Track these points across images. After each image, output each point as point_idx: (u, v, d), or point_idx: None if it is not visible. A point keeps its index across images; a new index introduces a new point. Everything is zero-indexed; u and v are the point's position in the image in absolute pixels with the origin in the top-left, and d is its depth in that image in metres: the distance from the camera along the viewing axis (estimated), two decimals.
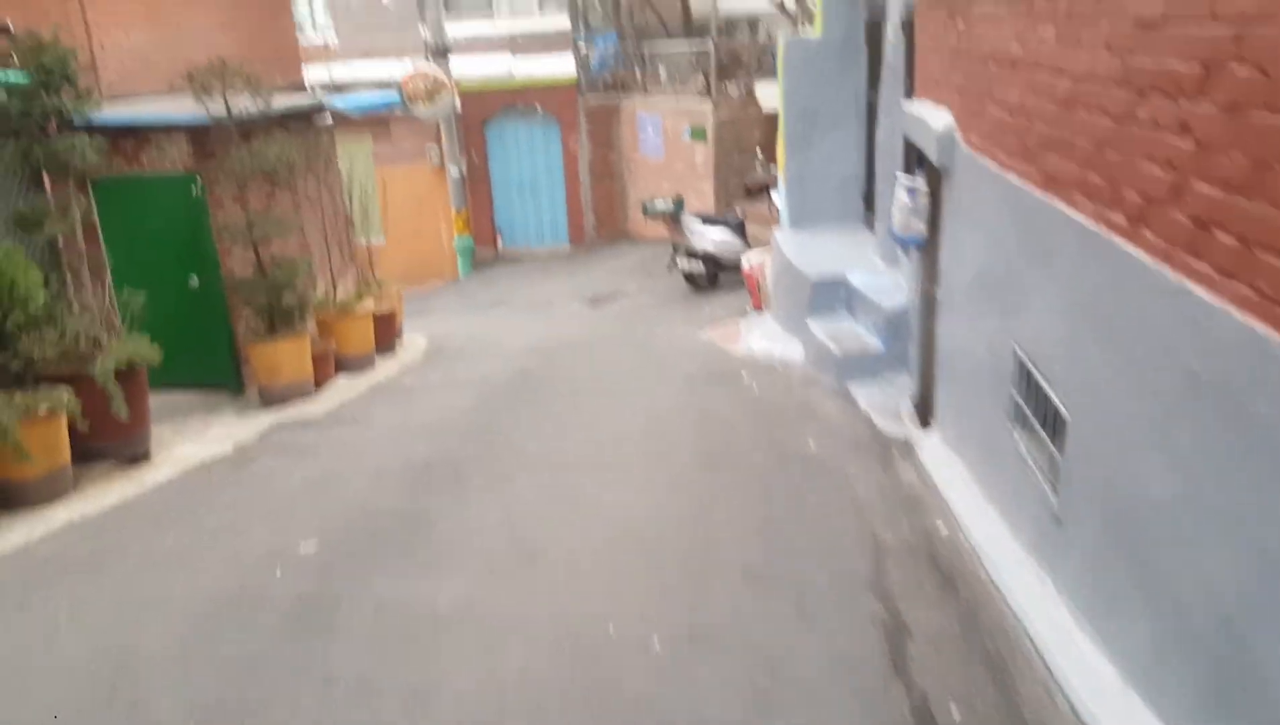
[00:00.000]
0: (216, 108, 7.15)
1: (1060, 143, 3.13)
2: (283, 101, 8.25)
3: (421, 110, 17.26)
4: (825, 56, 9.13)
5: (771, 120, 15.13)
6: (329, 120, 9.73)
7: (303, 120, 9.34)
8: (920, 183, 6.16)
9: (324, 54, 25.92)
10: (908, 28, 7.06)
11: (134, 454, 5.88)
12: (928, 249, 6.44)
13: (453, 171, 17.59)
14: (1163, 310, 2.41)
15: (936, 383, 5.79)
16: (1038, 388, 3.59)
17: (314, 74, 25.65)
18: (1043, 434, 3.59)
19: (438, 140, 17.73)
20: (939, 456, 5.34)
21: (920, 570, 3.97)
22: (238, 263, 7.95)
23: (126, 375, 5.60)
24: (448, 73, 17.24)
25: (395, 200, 17.79)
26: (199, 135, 7.36)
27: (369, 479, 5.51)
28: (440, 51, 17.41)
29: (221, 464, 6.05)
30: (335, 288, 9.21)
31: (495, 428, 6.51)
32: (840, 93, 9.19)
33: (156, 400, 7.50)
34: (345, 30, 25.32)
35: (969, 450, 4.90)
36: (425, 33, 17.36)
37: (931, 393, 6.05)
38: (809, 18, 13.06)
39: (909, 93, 6.95)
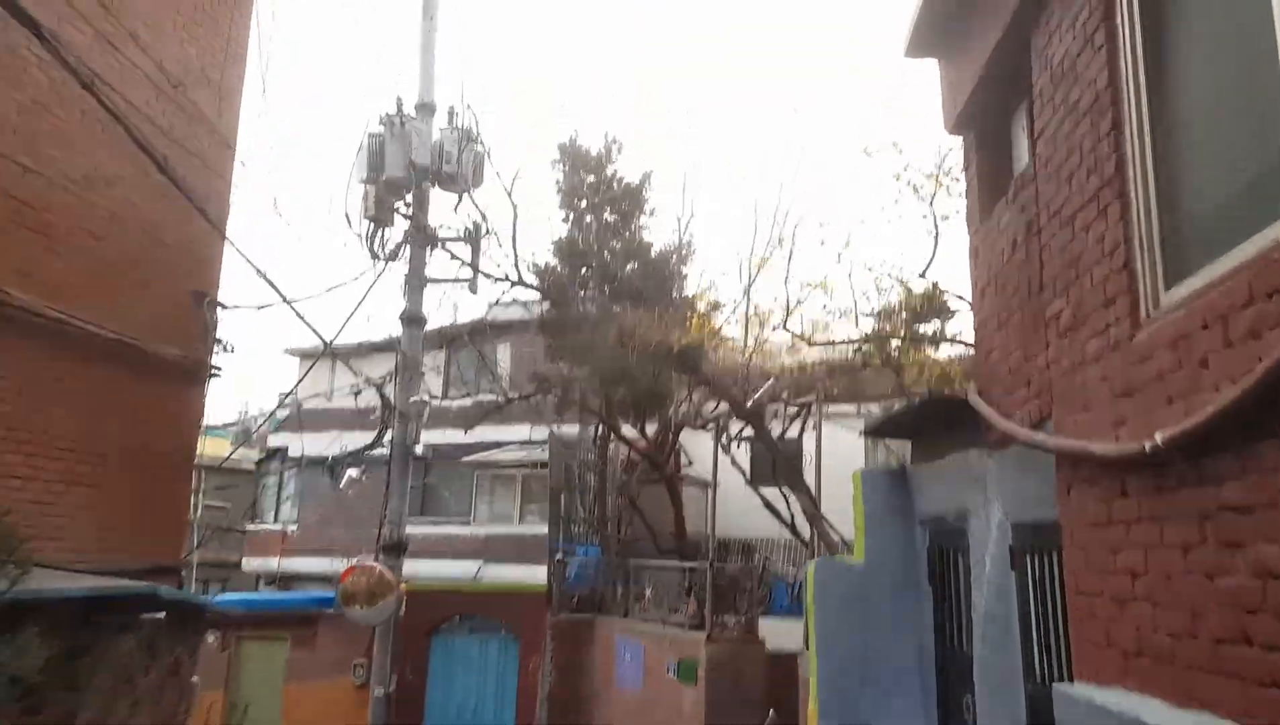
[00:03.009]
0: None
1: None
2: (58, 584, 5.52)
3: (358, 613, 14.45)
4: (871, 590, 6.60)
5: (777, 663, 12.16)
6: (165, 615, 6.92)
7: (124, 613, 6.54)
8: None
9: (278, 544, 24.12)
10: (1031, 558, 4.58)
11: None
12: None
13: (377, 692, 14.14)
14: None
15: None
16: None
17: (261, 564, 23.66)
18: None
19: (369, 652, 14.62)
20: None
21: None
22: None
23: None
24: (398, 571, 14.80)
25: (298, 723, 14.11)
26: None
27: None
28: (396, 547, 15.18)
29: None
30: None
31: None
32: (896, 642, 6.46)
33: None
34: (308, 520, 23.76)
35: None
36: (385, 528, 15.34)
37: None
38: (828, 544, 10.90)
39: (1056, 670, 4.21)
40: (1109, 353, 3.33)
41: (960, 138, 5.57)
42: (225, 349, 9.50)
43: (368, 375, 14.79)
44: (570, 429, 18.71)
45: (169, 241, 8.52)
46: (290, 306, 10.37)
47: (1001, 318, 4.67)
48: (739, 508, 15.97)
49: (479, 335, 18.96)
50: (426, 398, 15.27)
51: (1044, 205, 4.00)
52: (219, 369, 9.52)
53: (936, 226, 8.67)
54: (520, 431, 20.43)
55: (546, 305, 14.58)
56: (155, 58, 8.11)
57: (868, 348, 9.21)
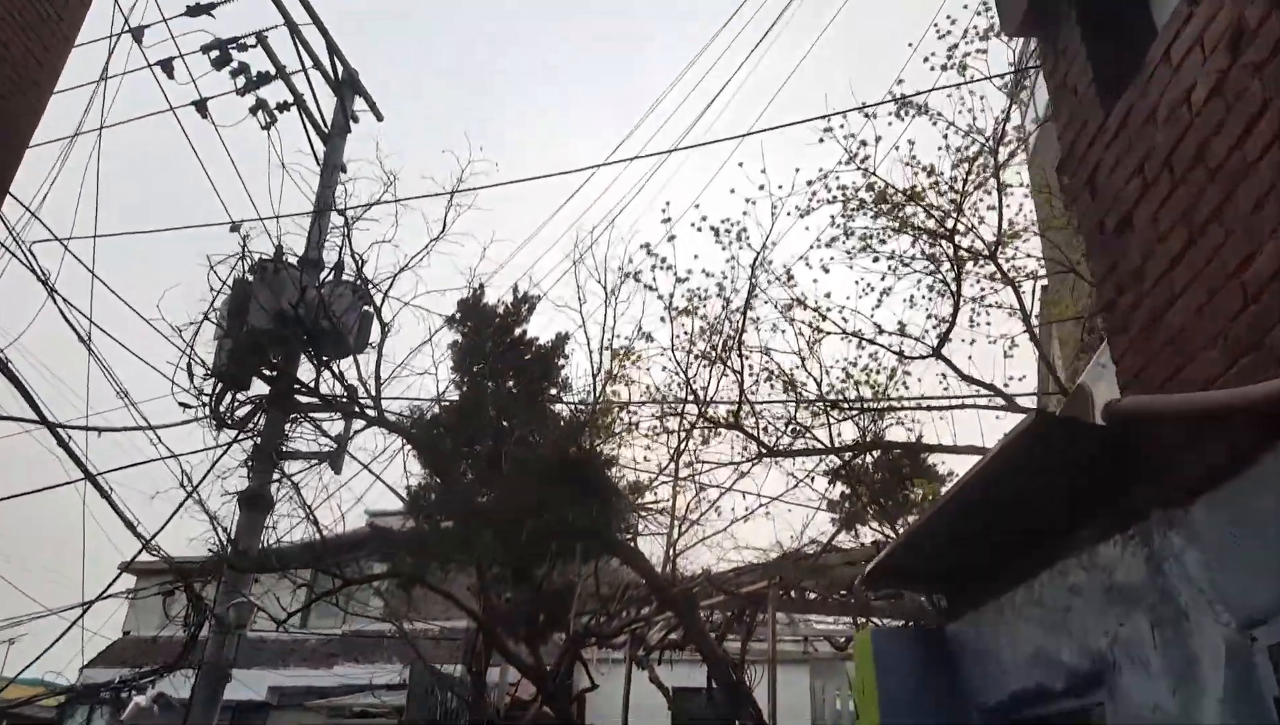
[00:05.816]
0: None
1: None
2: None
3: None
4: None
5: None
6: None
7: None
8: None
9: None
10: None
11: None
12: None
13: None
14: None
15: None
16: None
17: None
18: None
19: None
20: None
21: None
22: None
23: None
24: None
25: None
26: None
27: None
28: None
29: None
30: None
31: None
32: None
33: None
34: None
35: None
36: None
37: None
38: None
39: None
40: None
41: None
42: None
43: (177, 567, 11.42)
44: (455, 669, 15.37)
45: None
46: (47, 424, 7.54)
47: (1205, 215, 2.42)
48: None
49: (350, 550, 15.83)
50: (253, 600, 11.89)
51: None
52: None
53: (958, 271, 6.39)
54: (394, 670, 16.82)
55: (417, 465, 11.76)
56: None
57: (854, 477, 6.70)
